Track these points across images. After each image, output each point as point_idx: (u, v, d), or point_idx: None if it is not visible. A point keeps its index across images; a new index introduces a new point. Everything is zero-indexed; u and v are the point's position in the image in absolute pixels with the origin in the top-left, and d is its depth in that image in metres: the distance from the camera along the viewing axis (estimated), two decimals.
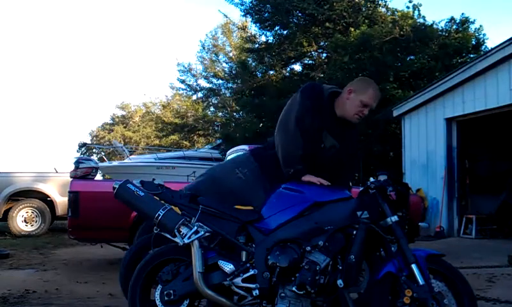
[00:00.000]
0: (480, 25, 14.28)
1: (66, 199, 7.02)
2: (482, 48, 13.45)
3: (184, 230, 2.79)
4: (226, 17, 20.03)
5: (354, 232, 2.63)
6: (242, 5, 15.07)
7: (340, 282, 2.58)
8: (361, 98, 2.85)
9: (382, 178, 2.75)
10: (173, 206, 2.99)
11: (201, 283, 2.72)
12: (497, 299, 4.19)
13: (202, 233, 2.79)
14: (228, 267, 2.77)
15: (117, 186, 2.98)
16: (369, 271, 2.77)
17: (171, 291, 2.80)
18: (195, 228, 2.80)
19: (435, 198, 9.67)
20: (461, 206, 9.63)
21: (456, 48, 13.08)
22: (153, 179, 3.22)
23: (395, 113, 10.74)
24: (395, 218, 2.63)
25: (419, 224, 6.23)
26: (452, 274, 2.62)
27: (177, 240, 2.78)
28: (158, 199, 2.99)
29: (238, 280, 2.72)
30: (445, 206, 9.46)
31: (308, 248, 2.66)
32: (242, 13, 15.68)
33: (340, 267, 2.64)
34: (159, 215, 2.83)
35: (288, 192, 2.83)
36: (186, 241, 2.75)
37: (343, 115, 2.90)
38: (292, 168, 2.80)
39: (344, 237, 2.67)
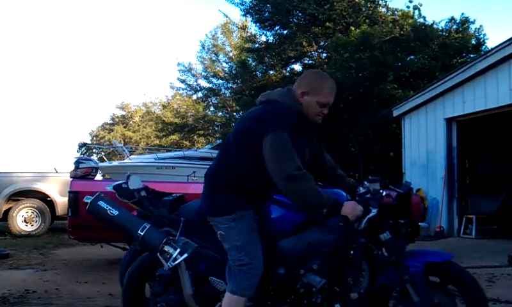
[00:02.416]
0: (481, 25, 14.29)
1: (66, 199, 7.02)
2: (483, 48, 13.44)
3: (168, 250, 2.56)
4: (227, 17, 20.07)
5: (352, 252, 2.49)
6: (242, 5, 15.07)
7: (338, 306, 2.49)
8: (316, 99, 2.53)
9: (373, 186, 2.52)
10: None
11: (193, 304, 2.62)
12: (497, 299, 4.19)
13: (187, 254, 2.56)
14: (219, 284, 2.64)
15: (88, 202, 2.73)
16: (369, 271, 2.72)
17: (164, 305, 2.72)
18: (179, 248, 2.56)
19: (435, 198, 9.67)
20: (461, 206, 9.62)
21: (456, 48, 13.09)
22: (128, 176, 2.93)
23: (395, 113, 10.74)
24: (386, 235, 2.47)
25: (419, 224, 6.21)
26: (456, 278, 2.51)
27: (162, 261, 2.56)
28: (134, 206, 2.80)
29: None
30: (445, 206, 9.45)
31: (302, 271, 2.52)
32: (243, 13, 15.68)
33: (338, 289, 2.50)
34: (139, 236, 2.59)
35: (278, 206, 2.63)
36: (172, 265, 2.54)
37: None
38: (324, 207, 2.38)
39: (339, 257, 2.52)
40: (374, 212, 2.43)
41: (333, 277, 2.53)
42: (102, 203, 2.70)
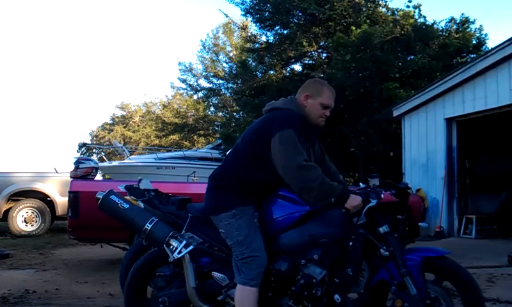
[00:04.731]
0: (481, 25, 14.29)
1: (66, 199, 7.03)
2: (483, 48, 13.43)
3: (173, 243, 2.67)
4: (227, 17, 20.08)
5: (351, 243, 2.53)
6: (242, 4, 15.06)
7: (337, 297, 2.52)
8: (320, 100, 2.74)
9: (373, 182, 2.66)
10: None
11: (196, 297, 2.68)
12: (497, 299, 4.19)
13: (192, 247, 2.68)
14: (222, 279, 2.70)
15: (100, 197, 2.84)
16: (369, 271, 2.73)
17: (166, 299, 2.76)
18: (185, 241, 2.68)
19: (435, 198, 9.67)
20: (461, 206, 9.62)
21: (456, 48, 13.08)
22: (140, 180, 3.09)
23: (395, 113, 10.74)
24: (385, 228, 2.52)
25: (419, 224, 6.21)
26: (453, 274, 2.52)
27: (167, 253, 2.67)
28: (145, 205, 2.88)
29: (233, 291, 2.65)
30: (445, 206, 9.45)
31: (303, 262, 2.58)
32: (243, 13, 15.66)
33: (337, 280, 2.55)
34: (146, 229, 2.71)
35: (280, 200, 2.67)
36: (176, 256, 2.65)
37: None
38: (333, 196, 2.47)
39: (340, 248, 2.57)
40: (373, 202, 2.50)
41: (334, 269, 2.58)
42: (113, 197, 2.83)
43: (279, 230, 2.64)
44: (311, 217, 2.59)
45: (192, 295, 2.68)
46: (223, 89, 24.70)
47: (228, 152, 4.67)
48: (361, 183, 2.68)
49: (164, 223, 2.77)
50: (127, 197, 2.92)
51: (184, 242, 2.67)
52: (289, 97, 2.86)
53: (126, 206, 2.80)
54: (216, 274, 2.72)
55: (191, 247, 2.67)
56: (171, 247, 2.67)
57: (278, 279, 2.60)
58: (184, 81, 26.75)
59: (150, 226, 2.71)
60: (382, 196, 2.55)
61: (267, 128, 2.64)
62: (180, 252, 2.64)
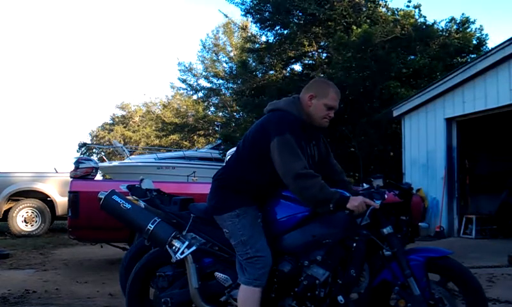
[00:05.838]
0: (481, 25, 14.30)
1: (66, 199, 7.03)
2: (483, 48, 13.43)
3: (176, 244, 2.68)
4: (227, 17, 20.06)
5: (354, 244, 2.53)
6: (242, 4, 15.06)
7: (340, 298, 2.51)
8: (324, 101, 2.70)
9: (376, 182, 2.63)
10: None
11: (198, 298, 2.67)
12: (497, 299, 4.20)
13: (195, 247, 2.68)
14: (224, 279, 2.70)
15: (102, 197, 2.84)
16: (370, 271, 2.73)
17: (168, 299, 2.76)
18: (187, 241, 2.69)
19: (435, 198, 9.67)
20: (461, 206, 9.62)
21: (456, 48, 13.08)
22: (142, 179, 3.08)
23: (395, 113, 10.74)
24: (389, 229, 2.51)
25: (419, 224, 6.21)
26: (456, 274, 2.51)
27: (170, 253, 2.67)
28: (147, 205, 2.87)
29: (236, 292, 2.64)
30: (445, 206, 9.45)
31: (306, 262, 2.57)
32: (243, 13, 15.66)
33: (340, 281, 2.55)
34: (149, 229, 2.70)
35: (284, 201, 2.67)
36: (179, 257, 2.65)
37: (309, 122, 2.74)
38: (331, 202, 2.44)
39: (343, 249, 2.57)
40: (377, 203, 2.49)
41: (337, 270, 2.57)
42: (115, 197, 2.82)
43: (282, 231, 2.63)
44: (314, 218, 2.57)
45: (194, 296, 2.68)
46: (223, 89, 24.70)
47: (228, 152, 4.69)
48: (364, 184, 2.68)
49: (167, 223, 2.77)
50: (129, 197, 2.92)
51: (187, 243, 2.67)
52: (292, 97, 2.83)
53: (128, 206, 2.79)
54: (218, 275, 2.72)
55: (194, 248, 2.67)
56: (174, 247, 2.67)
57: (281, 280, 2.60)
58: (183, 81, 26.75)
59: (153, 226, 2.71)
60: (386, 196, 2.54)
61: (265, 130, 2.64)
62: (182, 252, 2.64)
